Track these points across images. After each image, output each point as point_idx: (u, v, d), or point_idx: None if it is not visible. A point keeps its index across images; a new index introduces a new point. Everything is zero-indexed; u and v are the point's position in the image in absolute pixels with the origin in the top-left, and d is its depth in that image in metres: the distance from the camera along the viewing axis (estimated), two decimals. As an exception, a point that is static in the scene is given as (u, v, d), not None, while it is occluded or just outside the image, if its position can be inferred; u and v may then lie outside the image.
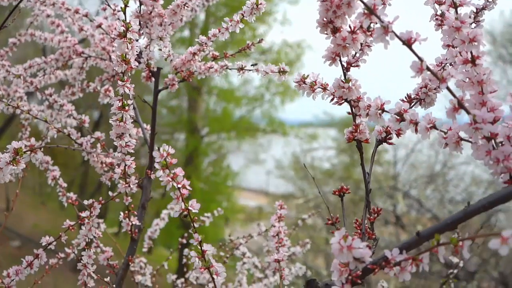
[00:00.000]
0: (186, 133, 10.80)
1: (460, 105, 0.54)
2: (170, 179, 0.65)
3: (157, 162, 0.64)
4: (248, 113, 11.79)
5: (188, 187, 0.66)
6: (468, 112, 0.53)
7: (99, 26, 1.12)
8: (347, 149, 9.23)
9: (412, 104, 0.72)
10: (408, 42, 0.53)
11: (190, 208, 0.66)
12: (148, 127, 1.18)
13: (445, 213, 6.45)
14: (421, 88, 0.71)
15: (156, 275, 1.42)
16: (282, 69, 0.91)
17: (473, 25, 0.73)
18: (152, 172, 1.00)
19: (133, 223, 1.01)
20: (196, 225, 1.57)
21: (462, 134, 0.57)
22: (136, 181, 0.95)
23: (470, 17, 0.73)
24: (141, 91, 1.12)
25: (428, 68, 0.53)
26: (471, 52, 0.56)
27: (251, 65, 0.96)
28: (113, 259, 1.07)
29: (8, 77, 1.19)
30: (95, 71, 1.43)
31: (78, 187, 9.71)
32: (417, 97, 0.71)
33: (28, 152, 0.69)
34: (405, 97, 0.72)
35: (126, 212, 1.00)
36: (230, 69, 1.01)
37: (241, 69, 0.98)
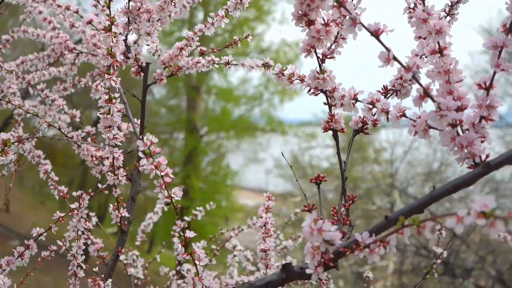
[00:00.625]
0: (185, 133, 10.84)
1: (426, 93, 0.56)
2: (154, 167, 0.67)
3: (141, 151, 0.66)
4: (247, 112, 11.82)
5: (171, 175, 0.68)
6: (433, 100, 0.56)
7: (90, 22, 1.15)
8: (345, 148, 9.23)
9: (388, 95, 0.74)
10: (376, 33, 0.55)
11: (173, 195, 0.68)
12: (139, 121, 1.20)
13: (442, 210, 6.47)
14: (397, 79, 0.73)
15: (149, 268, 1.44)
16: (266, 64, 0.93)
17: (448, 18, 0.76)
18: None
19: (123, 215, 1.03)
20: (188, 218, 1.57)
21: (431, 122, 0.60)
22: (125, 174, 0.97)
23: (444, 10, 0.76)
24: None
25: (395, 58, 0.55)
26: (438, 43, 0.58)
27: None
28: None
29: (1, 72, 1.21)
30: (87, 68, 1.45)
31: (77, 187, 9.74)
32: (393, 88, 0.73)
33: (16, 143, 0.71)
34: (381, 88, 0.74)
35: (116, 204, 1.03)
36: (217, 63, 1.04)
37: (227, 63, 1.01)
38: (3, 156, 0.72)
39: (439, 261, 1.15)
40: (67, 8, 1.18)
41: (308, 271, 0.59)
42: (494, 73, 0.56)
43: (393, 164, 6.99)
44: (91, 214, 1.23)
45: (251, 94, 11.86)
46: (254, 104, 11.76)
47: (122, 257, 1.37)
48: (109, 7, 0.78)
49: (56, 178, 1.17)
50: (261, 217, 1.03)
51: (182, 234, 0.70)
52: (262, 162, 12.48)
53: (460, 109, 0.57)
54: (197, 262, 0.70)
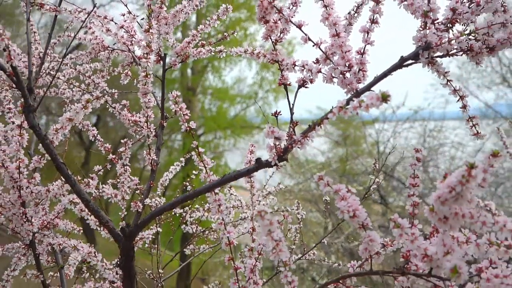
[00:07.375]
0: (183, 133, 11.28)
1: (326, 57, 1.03)
2: (178, 110, 1.14)
3: (170, 100, 1.13)
4: (242, 111, 12.28)
5: (188, 114, 1.15)
6: (331, 60, 1.03)
7: (122, 27, 1.61)
8: (341, 143, 9.76)
9: (320, 64, 1.21)
10: (299, 26, 1.02)
11: (190, 125, 1.15)
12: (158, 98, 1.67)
13: (428, 194, 6.97)
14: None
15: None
16: (246, 50, 1.40)
17: (356, 14, 1.23)
18: (165, 121, 1.50)
19: (153, 158, 1.50)
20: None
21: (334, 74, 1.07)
22: (155, 127, 1.44)
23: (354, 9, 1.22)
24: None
25: (309, 39, 1.02)
26: (335, 30, 1.05)
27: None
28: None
29: (57, 65, 1.68)
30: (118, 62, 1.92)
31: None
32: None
33: (95, 100, 1.18)
34: (315, 59, 1.21)
35: (148, 150, 1.50)
36: (213, 52, 1.51)
37: (220, 51, 1.48)
38: (85, 109, 1.19)
39: (374, 186, 1.61)
40: (105, 17, 1.64)
41: (269, 159, 1.06)
42: (365, 46, 1.04)
43: (378, 149, 7.51)
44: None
45: (246, 93, 12.33)
46: (249, 103, 12.22)
47: (147, 200, 1.84)
48: (149, 17, 1.25)
49: (102, 140, 1.64)
50: (247, 157, 1.50)
51: (197, 150, 1.18)
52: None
53: (349, 66, 1.05)
54: (206, 166, 1.17)
